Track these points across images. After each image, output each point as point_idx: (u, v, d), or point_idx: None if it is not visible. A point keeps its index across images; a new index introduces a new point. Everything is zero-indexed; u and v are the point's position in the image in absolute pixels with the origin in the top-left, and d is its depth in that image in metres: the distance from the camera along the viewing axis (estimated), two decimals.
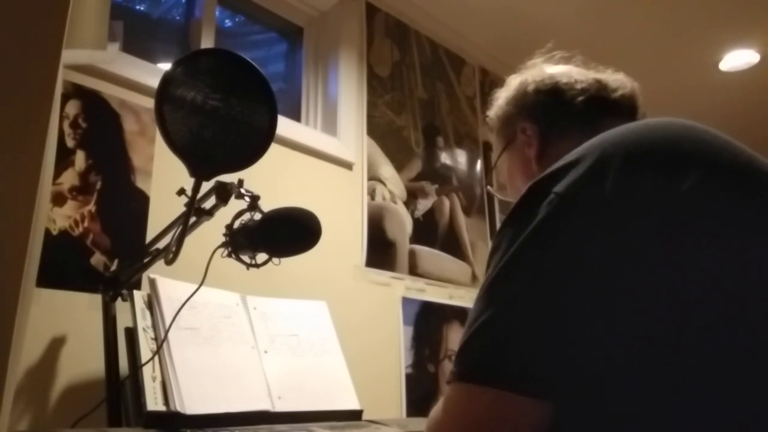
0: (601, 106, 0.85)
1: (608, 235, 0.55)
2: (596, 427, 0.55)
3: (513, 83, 0.95)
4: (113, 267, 1.26)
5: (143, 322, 1.06)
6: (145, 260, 1.07)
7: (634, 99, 0.87)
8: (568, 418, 0.55)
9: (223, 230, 0.97)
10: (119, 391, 1.04)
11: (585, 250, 0.55)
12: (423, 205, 2.11)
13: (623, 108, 0.86)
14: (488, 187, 1.12)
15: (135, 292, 1.10)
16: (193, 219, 0.92)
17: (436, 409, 0.62)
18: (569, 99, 0.86)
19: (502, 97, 0.96)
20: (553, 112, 0.87)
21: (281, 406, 1.10)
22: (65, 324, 1.18)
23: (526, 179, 0.89)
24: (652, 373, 0.53)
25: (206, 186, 0.90)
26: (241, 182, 0.95)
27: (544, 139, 0.87)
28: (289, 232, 0.97)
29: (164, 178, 1.37)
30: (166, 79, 0.82)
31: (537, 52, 0.97)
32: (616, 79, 0.88)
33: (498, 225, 2.36)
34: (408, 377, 1.84)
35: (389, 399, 1.78)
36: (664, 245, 0.55)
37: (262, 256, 0.98)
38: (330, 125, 1.95)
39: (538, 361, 0.55)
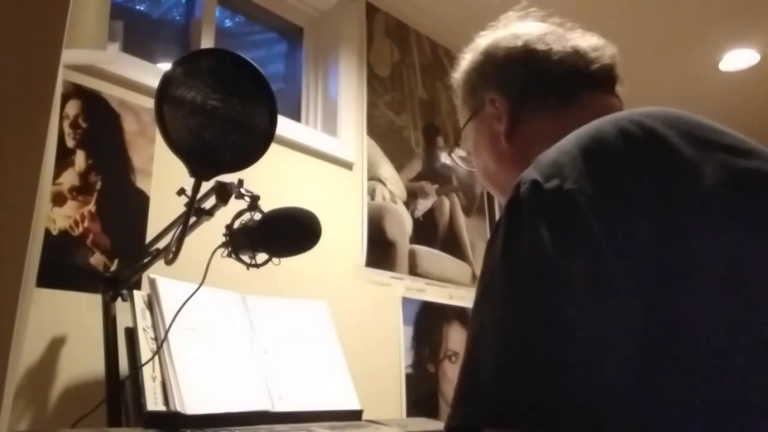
0: (578, 80, 0.77)
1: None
2: None
3: (481, 45, 0.85)
4: (113, 267, 1.26)
5: (143, 322, 1.06)
6: (145, 260, 1.07)
7: (612, 70, 0.79)
8: None
9: (223, 230, 0.97)
10: (119, 391, 1.04)
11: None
12: (423, 205, 2.11)
13: (601, 80, 0.78)
14: (451, 155, 1.04)
15: (135, 292, 1.10)
16: (193, 219, 0.92)
17: None
18: (544, 71, 0.78)
19: (468, 59, 0.86)
20: (525, 84, 0.79)
21: (281, 406, 1.10)
22: (65, 324, 1.18)
23: (494, 154, 0.83)
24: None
25: (206, 186, 0.90)
26: (241, 182, 0.95)
27: (515, 114, 0.79)
28: (289, 232, 0.97)
29: (164, 178, 1.37)
30: (166, 79, 0.82)
31: (512, 9, 0.87)
32: (595, 47, 0.79)
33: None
34: (408, 377, 1.84)
35: (389, 399, 1.78)
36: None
37: (262, 256, 0.98)
38: (330, 125, 1.94)
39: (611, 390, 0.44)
